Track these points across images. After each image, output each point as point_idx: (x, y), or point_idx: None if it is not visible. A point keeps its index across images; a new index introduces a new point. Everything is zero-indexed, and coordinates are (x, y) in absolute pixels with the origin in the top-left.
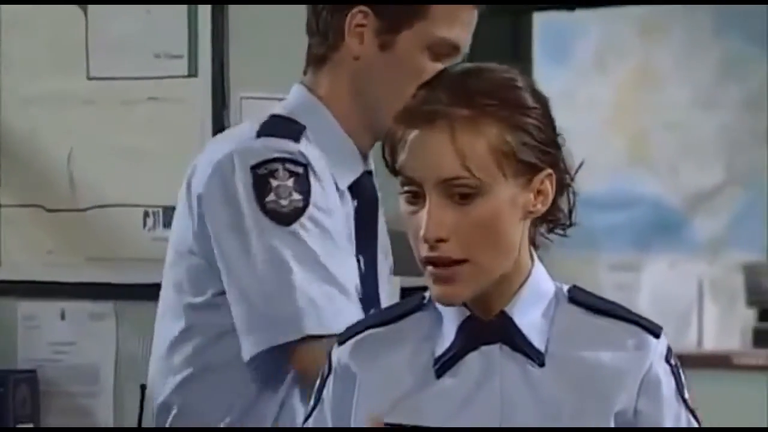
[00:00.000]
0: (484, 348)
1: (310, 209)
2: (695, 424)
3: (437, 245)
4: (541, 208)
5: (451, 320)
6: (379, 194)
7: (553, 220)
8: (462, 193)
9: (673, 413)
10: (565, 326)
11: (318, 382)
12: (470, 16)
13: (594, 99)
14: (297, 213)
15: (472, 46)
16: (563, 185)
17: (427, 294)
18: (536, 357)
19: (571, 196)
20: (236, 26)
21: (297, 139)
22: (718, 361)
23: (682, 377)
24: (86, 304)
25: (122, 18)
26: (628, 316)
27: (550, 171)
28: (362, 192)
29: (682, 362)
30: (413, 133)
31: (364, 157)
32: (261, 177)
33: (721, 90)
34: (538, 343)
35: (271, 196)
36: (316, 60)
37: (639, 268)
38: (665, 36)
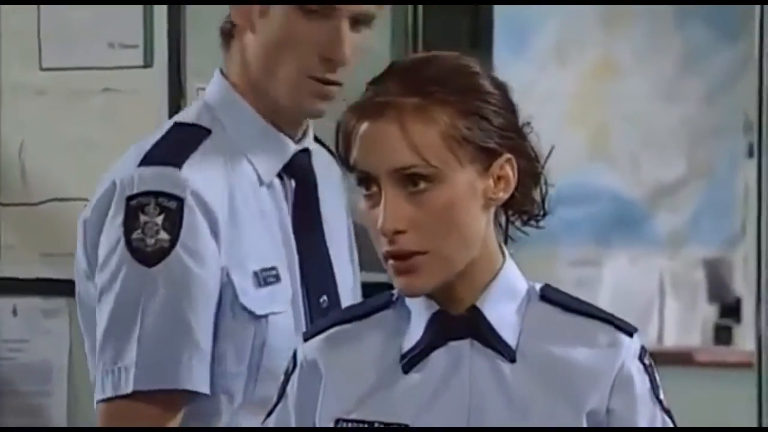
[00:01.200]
0: (452, 343)
1: (177, 251)
2: (671, 425)
3: (396, 238)
4: (502, 195)
5: (419, 315)
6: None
7: (524, 211)
8: (416, 182)
9: (647, 413)
10: (536, 323)
11: (282, 378)
12: None
13: (554, 91)
14: (161, 254)
15: (431, 37)
16: (531, 173)
17: (395, 291)
18: (507, 353)
19: (542, 185)
20: (193, 15)
21: (180, 164)
22: (680, 358)
23: (657, 377)
24: (39, 300)
25: (75, 7)
26: (600, 314)
27: (509, 156)
28: (297, 172)
29: None
30: (363, 126)
31: (298, 136)
32: (132, 210)
33: (684, 82)
34: (509, 338)
35: (138, 233)
36: (223, 38)
37: (599, 264)
38: (626, 27)
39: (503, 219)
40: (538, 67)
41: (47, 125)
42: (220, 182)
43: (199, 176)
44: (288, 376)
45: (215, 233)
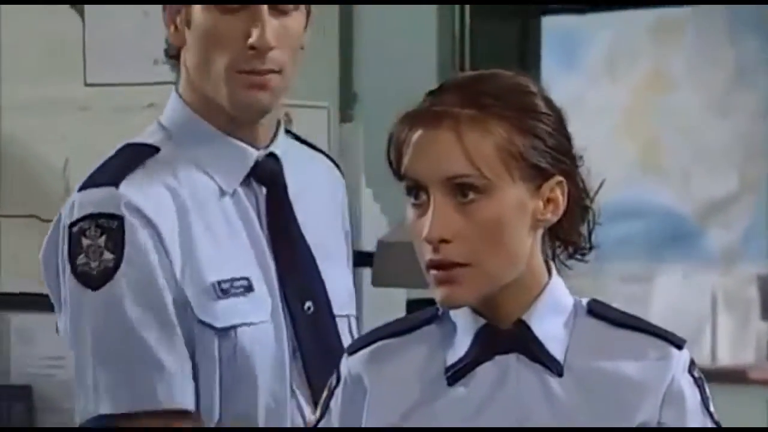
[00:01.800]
0: (499, 357)
1: (122, 270)
2: None
3: (440, 247)
4: (551, 217)
5: (465, 330)
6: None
7: (570, 242)
8: (466, 193)
9: (698, 426)
10: (584, 338)
11: (325, 393)
12: None
13: (604, 105)
14: (107, 274)
15: (478, 51)
16: (580, 203)
17: (440, 306)
18: (554, 367)
19: (590, 218)
20: None
21: (117, 183)
22: (733, 376)
23: (707, 390)
24: None
25: (119, 22)
26: (648, 327)
27: (560, 179)
28: (265, 178)
29: None
30: (417, 133)
31: (261, 143)
32: (74, 236)
33: (736, 96)
34: (556, 352)
35: (82, 258)
36: (169, 61)
37: (651, 280)
38: (678, 39)
39: (550, 249)
40: (588, 80)
41: (91, 141)
42: (165, 197)
43: (140, 192)
44: (332, 390)
45: (163, 247)
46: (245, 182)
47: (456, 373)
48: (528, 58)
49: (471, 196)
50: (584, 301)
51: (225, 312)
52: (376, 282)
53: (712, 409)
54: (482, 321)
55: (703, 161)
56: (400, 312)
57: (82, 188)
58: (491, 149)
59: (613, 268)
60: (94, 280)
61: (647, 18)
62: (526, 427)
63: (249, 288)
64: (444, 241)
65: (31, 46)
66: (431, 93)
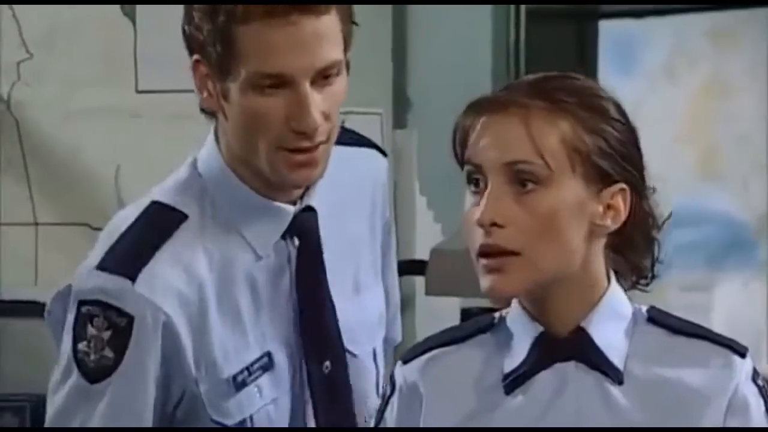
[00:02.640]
0: (558, 365)
1: (120, 372)
2: None
3: (492, 230)
4: (610, 224)
5: (523, 337)
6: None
7: (632, 265)
8: (525, 183)
9: None
10: (644, 345)
11: (380, 403)
12: (285, 38)
13: (663, 111)
14: (104, 373)
15: (533, 56)
16: (643, 215)
17: (497, 314)
18: (614, 375)
19: (655, 247)
20: None
21: (135, 276)
22: None
23: None
24: None
25: (172, 29)
26: (710, 335)
27: (624, 186)
28: (300, 232)
29: None
30: (483, 119)
31: (297, 197)
32: (81, 317)
33: None
34: (616, 360)
35: (83, 345)
36: (206, 116)
37: (710, 289)
38: (738, 44)
39: (613, 275)
40: (647, 85)
41: (143, 149)
42: (188, 287)
43: (158, 288)
44: (386, 399)
45: (177, 350)
46: (282, 237)
47: (514, 381)
48: (585, 63)
49: (529, 186)
50: (644, 308)
51: (239, 406)
52: (430, 291)
53: None
54: (540, 328)
55: (762, 168)
56: (454, 321)
57: (100, 267)
58: (557, 141)
59: (672, 276)
60: (89, 372)
61: (706, 22)
62: (529, 428)
63: (270, 365)
64: (496, 224)
65: (83, 53)
66: (503, 88)
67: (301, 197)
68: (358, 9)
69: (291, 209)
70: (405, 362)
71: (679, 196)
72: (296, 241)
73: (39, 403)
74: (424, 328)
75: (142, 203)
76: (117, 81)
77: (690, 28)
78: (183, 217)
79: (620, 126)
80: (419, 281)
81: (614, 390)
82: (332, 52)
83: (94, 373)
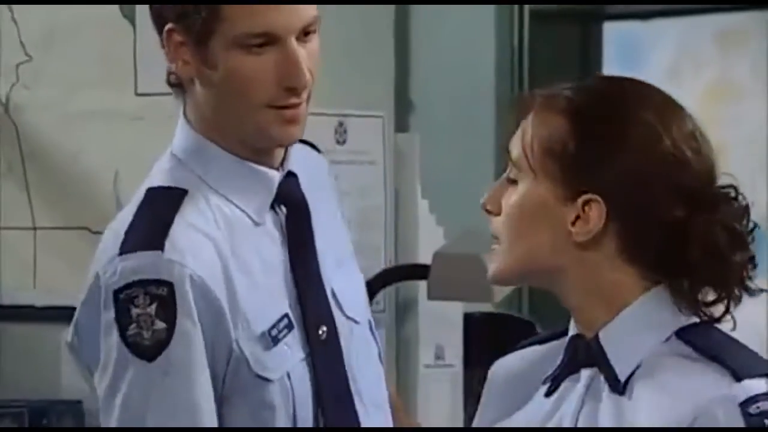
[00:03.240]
0: (584, 371)
1: (176, 339)
2: None
3: (489, 216)
4: (578, 231)
5: (568, 339)
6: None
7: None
8: (513, 172)
9: None
10: (658, 363)
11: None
12: None
13: None
14: (161, 345)
15: (537, 58)
16: (635, 232)
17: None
18: (616, 387)
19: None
20: None
21: (161, 245)
22: None
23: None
24: None
25: None
26: (725, 358)
27: (595, 197)
28: (286, 199)
29: None
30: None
31: (278, 161)
32: (122, 305)
33: None
34: (621, 370)
35: (133, 328)
36: (173, 90)
37: None
38: (744, 46)
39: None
40: None
41: (143, 152)
42: (208, 249)
43: (185, 252)
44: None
45: (216, 309)
46: (270, 207)
47: (551, 384)
48: (589, 64)
49: (513, 176)
50: (685, 321)
51: (279, 360)
52: (432, 295)
53: None
54: (575, 330)
55: None
56: (457, 327)
57: (123, 252)
58: (534, 139)
59: None
60: (148, 350)
61: (712, 24)
62: (525, 427)
63: (291, 325)
64: (487, 211)
65: (82, 55)
66: None
67: (281, 164)
68: (360, 10)
69: (275, 173)
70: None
71: None
72: (284, 209)
73: (37, 409)
74: (427, 334)
75: (137, 197)
76: (116, 83)
77: (696, 30)
78: (183, 192)
79: (631, 146)
80: (422, 286)
81: (614, 401)
82: (311, 8)
83: (152, 349)
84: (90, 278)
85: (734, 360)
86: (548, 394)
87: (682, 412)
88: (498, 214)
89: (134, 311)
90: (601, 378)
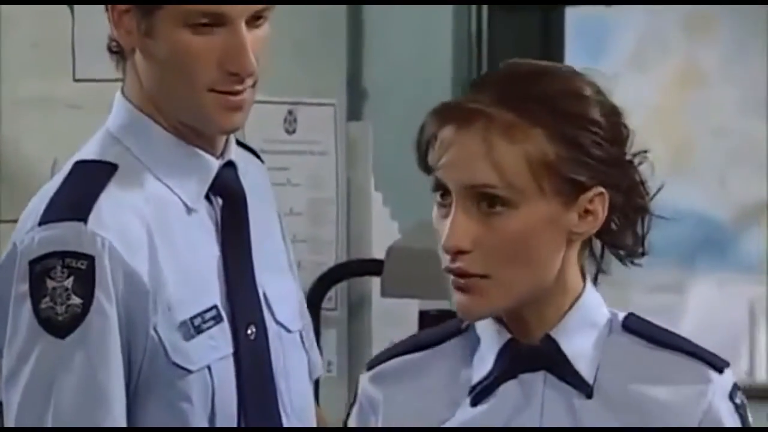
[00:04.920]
0: (524, 376)
1: (91, 316)
2: None
3: (458, 257)
4: (587, 229)
5: (489, 344)
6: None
7: (618, 246)
8: (492, 203)
9: None
10: (617, 357)
11: (346, 412)
12: None
13: (632, 102)
14: (74, 322)
15: (496, 44)
16: (628, 210)
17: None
18: (583, 388)
19: (645, 222)
20: None
21: (85, 216)
22: None
23: (749, 418)
24: None
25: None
26: (688, 348)
27: (600, 190)
28: (223, 190)
29: None
30: (447, 131)
31: (219, 149)
32: (37, 276)
33: None
34: (585, 372)
35: (46, 301)
36: (113, 58)
37: (683, 290)
38: (712, 31)
39: (598, 249)
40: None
41: (82, 140)
42: (135, 227)
43: (109, 226)
44: (349, 410)
45: (137, 290)
46: (206, 197)
47: (480, 392)
48: (550, 51)
49: (497, 208)
50: (621, 314)
51: (199, 351)
52: (386, 292)
53: None
54: (507, 335)
55: (738, 162)
56: (412, 324)
57: (44, 222)
58: (521, 160)
59: (641, 277)
60: (60, 327)
61: (679, 8)
62: (524, 427)
63: (219, 317)
64: (461, 252)
65: (16, 40)
66: (474, 83)
67: (222, 153)
68: None
69: (214, 161)
70: (368, 369)
71: (650, 192)
72: (219, 200)
73: None
74: (381, 332)
75: (63, 170)
76: (53, 69)
77: (662, 14)
78: (113, 167)
79: (599, 127)
80: (375, 282)
81: (581, 404)
82: None
83: (66, 325)
84: (9, 247)
85: (701, 350)
86: (476, 403)
87: (670, 413)
88: (471, 251)
89: (49, 283)
90: (549, 382)
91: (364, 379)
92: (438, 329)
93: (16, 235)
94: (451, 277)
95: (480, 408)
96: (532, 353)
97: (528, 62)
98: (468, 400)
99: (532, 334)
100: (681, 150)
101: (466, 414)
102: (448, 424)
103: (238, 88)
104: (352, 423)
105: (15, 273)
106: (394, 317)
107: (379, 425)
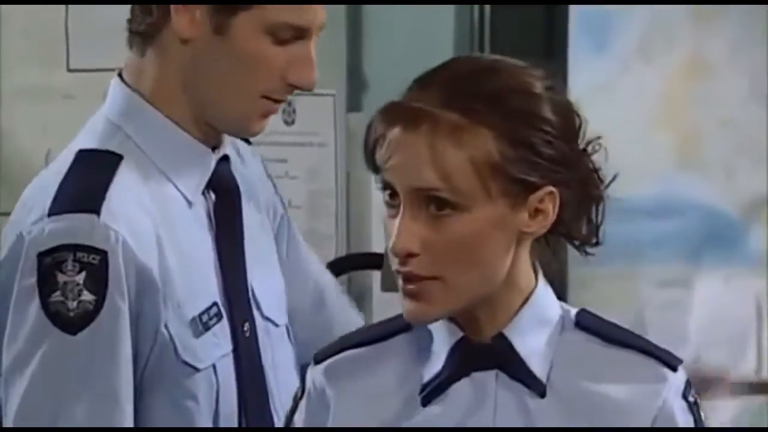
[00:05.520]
0: (477, 374)
1: (104, 313)
2: None
3: (407, 260)
4: (537, 228)
5: (441, 342)
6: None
7: (572, 237)
8: (439, 206)
9: None
10: (570, 354)
11: (291, 404)
12: None
13: (639, 92)
14: (86, 319)
15: (497, 32)
16: (581, 203)
17: None
18: (536, 386)
19: (599, 211)
20: None
21: (97, 208)
22: None
23: (702, 416)
24: None
25: (105, 5)
26: (641, 345)
27: (551, 189)
28: (218, 185)
29: (739, 391)
30: (394, 132)
31: (215, 146)
32: (47, 269)
33: None
34: (538, 371)
35: (57, 295)
36: (137, 41)
37: (689, 285)
38: (719, 22)
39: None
40: (620, 66)
41: (75, 132)
42: (144, 222)
43: (122, 219)
44: (296, 402)
45: (148, 286)
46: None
47: (431, 392)
48: (553, 42)
49: (446, 210)
50: (573, 312)
51: (207, 349)
52: (386, 286)
53: None
54: (459, 334)
55: (746, 154)
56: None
57: (54, 213)
58: (466, 163)
59: (647, 271)
60: (71, 323)
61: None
62: (525, 427)
63: (220, 314)
64: (410, 255)
65: (9, 29)
66: (420, 79)
67: (217, 146)
68: None
69: (212, 155)
70: (316, 362)
71: (656, 185)
72: (212, 195)
73: None
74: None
75: (65, 157)
76: (47, 59)
77: (667, 5)
78: (119, 158)
79: (550, 125)
80: (375, 276)
81: (534, 403)
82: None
83: (77, 321)
84: (11, 237)
85: (654, 347)
86: (427, 402)
87: (622, 410)
88: (420, 254)
89: (60, 278)
90: (501, 381)
91: (314, 371)
92: (388, 322)
93: (18, 225)
94: (400, 282)
95: (432, 408)
96: (485, 351)
97: (475, 58)
98: (419, 400)
99: (484, 333)
100: (687, 141)
101: (417, 414)
102: (398, 423)
103: (287, 98)
104: (299, 416)
105: (20, 264)
106: (394, 312)
107: (331, 422)
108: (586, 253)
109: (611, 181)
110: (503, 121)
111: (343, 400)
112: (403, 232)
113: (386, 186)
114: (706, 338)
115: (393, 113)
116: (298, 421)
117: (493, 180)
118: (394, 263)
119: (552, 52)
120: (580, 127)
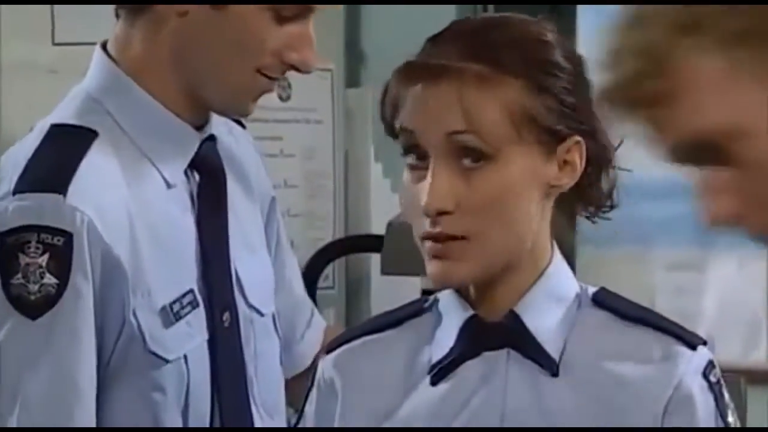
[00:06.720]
0: (487, 354)
1: (66, 298)
2: None
3: (439, 219)
4: (567, 181)
5: (451, 321)
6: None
7: (589, 201)
8: (472, 157)
9: None
10: (585, 333)
11: (304, 393)
12: None
13: None
14: (48, 303)
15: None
16: (600, 159)
17: (431, 297)
18: (548, 366)
19: (610, 172)
20: None
21: (64, 188)
22: None
23: (726, 396)
24: None
25: None
26: (659, 323)
27: (578, 139)
28: (202, 165)
29: (752, 378)
30: (416, 88)
31: (200, 122)
32: (9, 250)
33: None
34: (551, 349)
35: (18, 278)
36: (127, 11)
37: (702, 268)
38: None
39: (568, 212)
40: None
41: None
42: (115, 203)
43: (90, 200)
44: (307, 393)
45: (115, 271)
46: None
47: (440, 372)
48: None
49: (479, 162)
50: (591, 289)
51: (177, 339)
52: (386, 269)
53: (731, 419)
54: (470, 312)
55: None
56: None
57: (19, 191)
58: (497, 111)
59: (659, 254)
60: (31, 307)
61: None
62: (528, 428)
63: (195, 302)
64: (444, 212)
65: None
66: (433, 39)
67: (203, 126)
68: None
69: (196, 134)
70: (327, 351)
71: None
72: (197, 176)
73: None
74: (380, 312)
75: (37, 131)
76: (32, 33)
77: None
78: (93, 134)
79: (567, 73)
80: (374, 259)
81: (547, 382)
82: None
83: (38, 305)
84: None
85: (674, 325)
86: (436, 382)
87: (638, 391)
88: (453, 212)
89: (22, 259)
90: (513, 360)
91: (324, 362)
92: (401, 308)
93: None
94: (427, 243)
95: (440, 387)
96: (496, 330)
97: (481, 16)
98: (428, 379)
99: (496, 309)
100: None
101: (425, 393)
102: (406, 405)
103: (280, 75)
104: (310, 406)
105: None
106: (394, 296)
107: (338, 413)
108: (603, 217)
109: (620, 144)
110: (524, 69)
111: (350, 388)
112: (435, 189)
113: (411, 147)
114: (719, 323)
115: (413, 72)
116: (309, 411)
117: (526, 127)
118: (422, 226)
119: (559, 16)
120: (590, 82)
